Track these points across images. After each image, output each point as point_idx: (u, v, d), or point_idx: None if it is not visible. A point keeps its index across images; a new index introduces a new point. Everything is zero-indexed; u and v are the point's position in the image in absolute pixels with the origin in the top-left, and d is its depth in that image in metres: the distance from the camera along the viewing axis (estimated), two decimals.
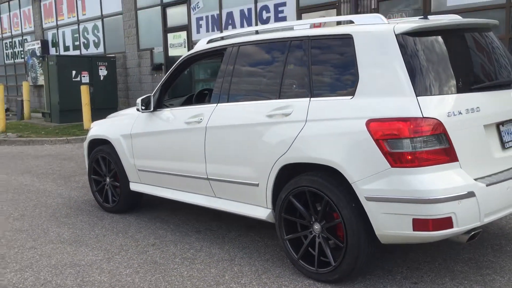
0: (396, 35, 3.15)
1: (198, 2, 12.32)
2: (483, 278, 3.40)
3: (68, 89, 12.86)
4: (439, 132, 2.98)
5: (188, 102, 5.22)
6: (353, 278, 3.44)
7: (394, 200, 3.02)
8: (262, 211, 3.86)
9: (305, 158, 3.45)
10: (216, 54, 4.62)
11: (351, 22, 3.55)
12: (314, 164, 3.41)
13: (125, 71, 14.79)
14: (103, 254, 4.27)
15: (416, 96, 3.02)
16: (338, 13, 9.37)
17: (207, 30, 12.22)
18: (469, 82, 3.27)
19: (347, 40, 3.38)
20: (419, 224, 2.97)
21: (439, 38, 3.32)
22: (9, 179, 7.57)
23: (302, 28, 3.87)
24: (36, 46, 18.52)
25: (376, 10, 8.74)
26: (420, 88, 3.05)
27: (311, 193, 3.45)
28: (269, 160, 3.66)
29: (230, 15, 11.61)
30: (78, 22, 16.78)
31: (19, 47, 20.42)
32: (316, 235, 3.48)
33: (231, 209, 4.15)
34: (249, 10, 11.12)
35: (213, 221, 4.98)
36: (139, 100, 4.85)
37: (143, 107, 4.83)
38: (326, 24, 4.08)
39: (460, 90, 3.18)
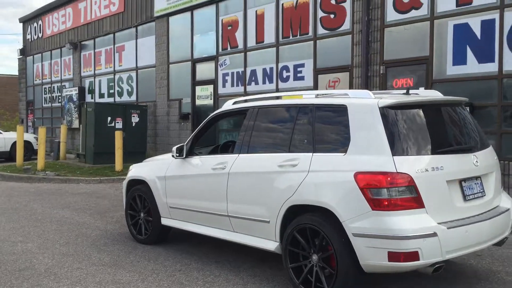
0: (379, 108, 4.09)
1: (225, 60, 13.57)
2: None
3: (103, 134, 14.06)
4: (410, 185, 3.85)
5: (214, 151, 6.19)
6: None
7: (374, 236, 3.85)
8: (271, 244, 4.72)
9: (307, 201, 4.34)
10: (239, 113, 5.63)
11: (346, 95, 4.52)
12: (314, 206, 4.28)
13: (154, 119, 16.00)
14: (138, 276, 5.14)
15: (393, 155, 3.91)
16: (351, 76, 10.39)
17: (232, 85, 13.39)
18: (436, 146, 4.15)
19: (342, 109, 4.33)
20: (393, 256, 3.79)
21: (415, 110, 4.25)
22: (51, 212, 8.55)
23: (309, 97, 4.85)
24: (74, 92, 20.04)
25: (384, 76, 9.74)
26: (396, 149, 3.95)
27: (311, 230, 4.30)
28: (279, 201, 4.54)
29: (253, 72, 12.78)
30: (114, 72, 18.27)
31: (57, 92, 22.00)
32: (314, 264, 4.30)
33: (246, 242, 5.01)
34: (271, 69, 12.28)
35: (231, 254, 5.81)
36: (174, 148, 5.84)
37: (177, 154, 5.82)
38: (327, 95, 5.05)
39: (428, 152, 4.07)
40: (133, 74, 17.31)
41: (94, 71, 19.45)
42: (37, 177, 12.55)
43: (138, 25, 16.85)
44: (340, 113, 4.35)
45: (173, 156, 5.89)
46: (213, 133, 13.26)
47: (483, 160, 4.39)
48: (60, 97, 21.65)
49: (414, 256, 3.76)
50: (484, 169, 4.38)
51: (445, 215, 3.97)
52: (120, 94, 18.00)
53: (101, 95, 19.02)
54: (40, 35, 23.28)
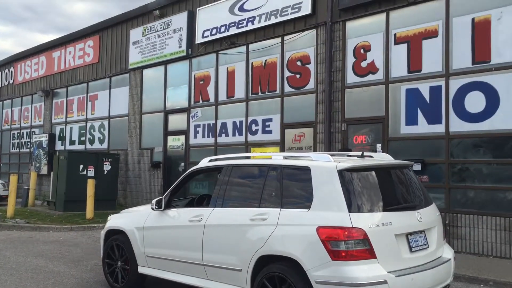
0: (337, 170, 4.76)
1: (197, 112, 14.25)
2: None
3: (75, 181, 14.32)
4: (364, 238, 4.48)
5: (190, 204, 6.71)
6: None
7: (334, 284, 4.43)
8: None
9: (275, 251, 4.90)
10: (215, 170, 6.23)
11: (309, 157, 5.19)
12: (281, 256, 4.84)
13: (125, 167, 16.37)
14: None
15: (349, 212, 4.55)
16: (315, 131, 11.19)
17: (203, 136, 14.02)
18: (387, 204, 4.83)
19: (306, 170, 4.99)
20: None
21: (368, 172, 4.95)
22: (25, 261, 8.75)
23: (278, 158, 5.49)
24: (44, 138, 20.22)
25: (345, 132, 10.59)
26: (352, 207, 4.59)
27: (278, 277, 4.84)
28: (250, 252, 5.08)
29: (224, 125, 13.47)
30: (86, 120, 18.66)
31: (26, 138, 22.11)
32: None
33: None
34: (241, 122, 13.01)
35: None
36: (153, 201, 6.34)
37: (156, 206, 6.31)
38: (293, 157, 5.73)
39: (379, 209, 4.74)
40: (106, 122, 17.75)
41: (66, 118, 19.78)
42: (7, 224, 12.62)
43: (112, 76, 17.47)
44: (304, 174, 5.00)
45: (152, 208, 6.38)
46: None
47: (427, 216, 5.09)
48: (29, 143, 21.74)
49: None
50: (428, 224, 5.07)
51: (394, 264, 4.59)
52: (92, 142, 18.34)
53: (72, 142, 19.29)
54: (11, 81, 23.54)
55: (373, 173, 5.00)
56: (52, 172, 16.12)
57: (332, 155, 5.21)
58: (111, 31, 17.63)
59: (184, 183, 6.53)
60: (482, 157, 8.81)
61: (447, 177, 9.07)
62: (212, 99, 13.82)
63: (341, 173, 4.76)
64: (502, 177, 8.52)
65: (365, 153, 5.53)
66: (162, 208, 6.31)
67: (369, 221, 4.58)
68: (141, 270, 6.52)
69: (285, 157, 5.47)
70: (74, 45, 19.34)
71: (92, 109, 18.43)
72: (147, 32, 15.80)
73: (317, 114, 11.18)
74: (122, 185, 16.31)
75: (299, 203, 4.95)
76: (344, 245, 4.45)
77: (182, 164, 14.48)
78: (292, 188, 5.11)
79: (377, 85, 10.18)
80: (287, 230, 4.85)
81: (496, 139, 8.61)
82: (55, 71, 20.44)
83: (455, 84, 9.03)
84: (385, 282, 4.40)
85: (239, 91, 13.09)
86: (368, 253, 4.48)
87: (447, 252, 5.31)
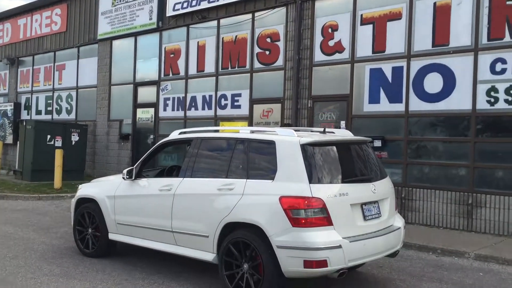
0: (300, 144, 5.11)
1: (167, 85, 14.35)
2: None
3: (42, 151, 14.30)
4: (322, 207, 4.87)
5: (160, 174, 6.97)
6: None
7: (293, 248, 4.82)
8: (210, 255, 5.57)
9: (240, 219, 5.25)
10: (184, 142, 6.50)
11: (274, 132, 5.52)
12: (246, 223, 5.20)
13: (94, 138, 16.38)
14: (89, 284, 5.79)
15: (309, 183, 4.93)
16: (283, 107, 11.53)
17: (173, 109, 14.17)
18: (344, 177, 5.23)
19: (271, 144, 5.32)
20: (307, 263, 4.78)
21: (329, 147, 5.33)
22: None
23: (245, 132, 5.80)
24: (9, 107, 19.90)
25: (311, 109, 10.97)
26: (313, 178, 4.97)
27: (243, 243, 5.21)
28: (217, 219, 5.42)
29: (193, 98, 13.65)
30: (53, 90, 18.45)
31: None
32: (245, 271, 5.20)
33: (188, 254, 5.83)
34: (210, 96, 13.21)
35: (172, 266, 6.57)
36: (125, 171, 6.59)
37: (127, 176, 6.56)
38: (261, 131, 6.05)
39: (337, 181, 5.14)
40: (73, 93, 17.61)
41: (32, 88, 19.49)
42: None
43: (80, 45, 17.27)
44: (269, 147, 5.33)
45: (123, 177, 6.62)
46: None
47: (380, 188, 5.53)
48: None
49: (323, 263, 4.76)
50: (381, 195, 5.51)
51: (348, 231, 5.02)
52: (59, 112, 18.19)
53: (38, 112, 19.07)
54: None
55: (334, 148, 5.38)
56: (18, 142, 16.00)
57: (296, 130, 5.55)
58: (79, 0, 17.34)
59: (155, 154, 6.79)
60: (438, 135, 9.35)
61: (405, 153, 9.59)
62: (182, 72, 13.94)
63: (304, 147, 5.11)
64: (455, 155, 9.09)
65: (327, 129, 5.90)
66: (133, 178, 6.56)
67: (327, 191, 4.97)
68: (112, 236, 6.79)
69: (252, 131, 5.78)
70: (41, 13, 18.93)
71: (60, 79, 18.22)
72: (117, 2, 15.64)
73: (285, 91, 11.50)
74: (90, 156, 16.35)
75: (264, 174, 5.30)
76: (304, 213, 4.83)
77: (151, 136, 14.62)
78: (258, 161, 5.44)
79: (343, 64, 10.54)
80: (252, 199, 5.20)
81: (451, 118, 9.15)
82: (20, 39, 19.99)
83: (416, 65, 9.48)
84: (339, 246, 4.83)
85: (209, 66, 13.25)
86: (326, 220, 4.88)
87: (398, 221, 5.79)
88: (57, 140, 14.70)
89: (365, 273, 6.36)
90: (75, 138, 15.13)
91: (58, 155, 13.27)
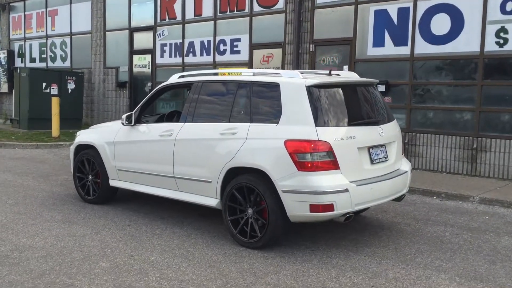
0: (306, 86, 4.91)
1: (164, 30, 13.91)
2: (357, 249, 5.15)
3: (38, 99, 14.03)
4: (329, 150, 4.73)
5: (160, 119, 6.79)
6: (271, 246, 5.10)
7: (299, 192, 4.72)
8: (213, 201, 5.48)
9: (244, 164, 5.12)
10: (184, 86, 6.28)
11: (279, 74, 5.30)
12: (250, 168, 5.07)
13: (90, 86, 16.06)
14: (91, 230, 5.73)
15: (316, 126, 4.76)
16: (283, 52, 11.20)
17: (170, 56, 13.79)
18: (351, 119, 5.06)
19: (276, 86, 5.11)
20: (313, 207, 4.69)
21: (335, 89, 5.12)
22: None
23: (247, 74, 5.57)
24: (2, 55, 19.39)
25: (313, 53, 10.65)
26: (319, 121, 4.80)
27: (247, 188, 5.10)
28: (220, 164, 5.29)
29: (191, 44, 13.25)
30: (47, 36, 17.91)
31: None
32: (249, 216, 5.12)
33: (190, 200, 5.74)
34: (208, 42, 12.82)
35: (174, 212, 6.52)
36: (124, 116, 6.40)
37: (126, 121, 6.38)
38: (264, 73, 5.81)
39: (344, 124, 4.97)
40: (67, 39, 17.11)
41: (25, 35, 18.92)
42: None
43: None
44: (273, 89, 5.13)
45: (122, 123, 6.44)
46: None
47: (388, 131, 5.38)
48: None
49: (330, 207, 4.67)
50: (388, 138, 5.36)
51: (355, 175, 4.90)
52: (53, 60, 17.75)
53: (32, 60, 18.61)
54: None
55: (340, 89, 5.17)
56: (13, 90, 15.68)
57: (301, 72, 5.32)
58: None
59: (154, 99, 6.57)
60: (444, 79, 9.12)
61: (409, 98, 9.39)
62: (179, 17, 13.45)
63: (309, 89, 4.91)
64: (461, 99, 8.90)
65: (332, 71, 5.67)
66: (132, 123, 6.38)
67: (334, 134, 4.81)
68: (112, 183, 6.69)
69: (254, 74, 5.55)
70: None
71: (53, 25, 17.64)
72: None
73: (285, 35, 11.13)
74: (87, 105, 16.09)
75: (268, 118, 5.12)
76: (310, 157, 4.69)
77: (149, 84, 14.32)
78: (262, 104, 5.25)
79: (346, 6, 10.13)
80: (256, 144, 5.05)
81: (458, 61, 8.88)
82: None
83: (423, 5, 9.11)
84: (346, 190, 4.72)
85: (207, 10, 12.77)
86: (332, 164, 4.75)
87: (405, 165, 5.67)
88: (53, 88, 14.40)
89: (369, 217, 6.32)
90: (71, 86, 14.81)
91: (55, 103, 13.03)
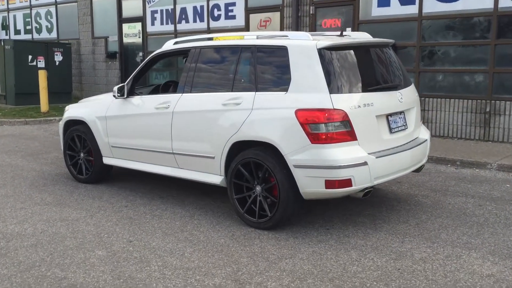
0: (317, 49, 4.39)
1: None
2: (375, 226, 4.75)
3: (24, 73, 13.39)
4: (344, 120, 4.25)
5: (155, 91, 6.26)
6: (283, 226, 4.68)
7: (313, 167, 4.26)
8: (216, 178, 5.02)
9: (250, 137, 4.64)
10: (181, 53, 5.72)
11: (286, 36, 4.76)
12: (257, 141, 4.60)
13: (79, 57, 15.37)
14: (86, 213, 5.29)
15: (330, 93, 4.27)
16: (282, 16, 10.58)
17: (162, 23, 13.10)
18: (367, 85, 4.56)
19: (283, 50, 4.59)
20: (329, 183, 4.24)
21: (348, 51, 4.60)
22: None
23: (251, 38, 5.03)
24: None
25: (314, 16, 10.04)
26: (333, 88, 4.31)
27: (254, 163, 4.64)
28: (223, 138, 4.81)
29: (183, 10, 12.56)
30: (31, 6, 17.07)
31: None
32: (257, 194, 4.68)
33: (192, 177, 5.28)
34: (202, 7, 12.13)
35: (173, 190, 6.07)
36: (115, 88, 5.86)
37: (118, 94, 5.84)
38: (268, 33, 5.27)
39: (360, 90, 4.48)
40: (52, 9, 16.31)
41: (8, 5, 18.06)
42: None
43: None
44: (281, 54, 4.60)
45: (114, 96, 5.91)
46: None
47: (406, 97, 4.90)
48: None
49: (347, 183, 4.23)
50: (407, 104, 4.89)
51: (374, 146, 4.45)
52: (39, 31, 16.97)
53: (17, 32, 17.82)
54: None
55: (353, 52, 4.65)
56: None
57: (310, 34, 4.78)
58: None
59: (148, 69, 6.02)
60: (454, 39, 8.58)
61: (417, 60, 8.87)
62: None
63: (321, 51, 4.39)
64: (472, 60, 8.39)
65: (344, 32, 5.13)
66: (125, 96, 5.86)
67: (350, 102, 4.33)
68: (106, 161, 6.21)
69: (259, 37, 5.01)
70: None
71: None
72: None
73: None
74: (77, 77, 15.43)
75: (276, 86, 4.62)
76: (325, 128, 4.22)
77: (140, 54, 13.68)
78: (268, 70, 4.73)
79: None
80: (263, 114, 4.56)
81: (470, 19, 8.34)
82: None
83: None
84: (365, 163, 4.28)
85: None
86: (349, 135, 4.29)
87: (424, 133, 5.23)
88: (40, 61, 13.73)
89: (383, 189, 5.91)
90: (58, 58, 14.14)
91: (42, 76, 12.40)
